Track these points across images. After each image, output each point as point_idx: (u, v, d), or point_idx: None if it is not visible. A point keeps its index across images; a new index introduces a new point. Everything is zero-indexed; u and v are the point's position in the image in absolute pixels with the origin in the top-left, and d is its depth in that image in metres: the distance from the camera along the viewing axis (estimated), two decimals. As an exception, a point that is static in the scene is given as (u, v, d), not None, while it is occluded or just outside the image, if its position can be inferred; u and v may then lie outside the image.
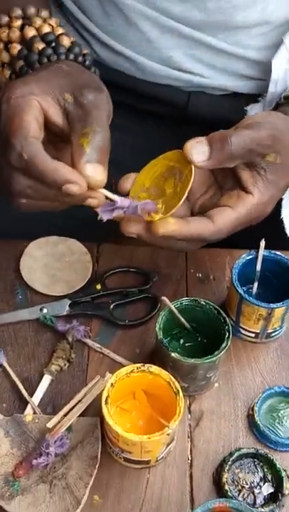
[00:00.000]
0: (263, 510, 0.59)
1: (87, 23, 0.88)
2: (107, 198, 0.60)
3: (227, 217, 0.65)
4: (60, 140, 0.63)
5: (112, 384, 0.59)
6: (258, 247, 0.69)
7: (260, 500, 0.60)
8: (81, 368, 0.69)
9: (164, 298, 0.63)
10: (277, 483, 0.60)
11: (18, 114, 0.59)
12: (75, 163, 0.59)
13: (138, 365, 0.61)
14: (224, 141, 0.61)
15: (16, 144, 0.56)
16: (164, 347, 0.61)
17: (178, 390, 0.59)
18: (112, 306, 0.73)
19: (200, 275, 0.77)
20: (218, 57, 0.83)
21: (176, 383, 0.60)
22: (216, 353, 0.62)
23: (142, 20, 0.81)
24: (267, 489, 0.61)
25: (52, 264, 0.77)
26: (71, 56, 0.68)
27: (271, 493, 0.61)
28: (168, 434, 0.56)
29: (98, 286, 0.75)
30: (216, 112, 0.84)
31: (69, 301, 0.73)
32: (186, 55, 0.83)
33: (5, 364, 0.68)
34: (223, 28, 0.80)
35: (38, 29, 0.69)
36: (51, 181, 0.57)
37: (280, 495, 0.60)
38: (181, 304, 0.65)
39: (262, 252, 0.69)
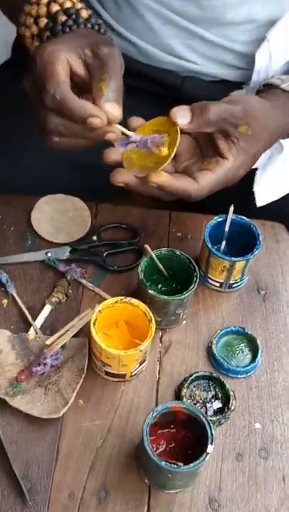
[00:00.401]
0: (212, 418, 0.70)
1: (101, 11, 0.95)
2: (122, 133, 0.68)
3: (208, 178, 0.73)
4: (82, 91, 0.70)
5: (99, 310, 0.70)
6: (228, 212, 0.79)
7: (210, 413, 0.72)
8: (76, 301, 0.79)
9: (146, 246, 0.74)
10: (225, 400, 0.73)
11: (50, 65, 0.66)
12: (95, 102, 0.66)
13: (121, 297, 0.72)
14: (203, 109, 0.70)
15: (50, 88, 0.65)
16: (144, 285, 0.73)
17: (151, 318, 0.70)
18: (104, 254, 0.83)
19: (180, 234, 0.87)
20: (209, 48, 0.90)
21: (151, 313, 0.70)
22: (184, 292, 0.73)
23: (147, 11, 0.89)
24: (217, 404, 0.73)
25: (57, 218, 0.86)
26: (88, 25, 0.76)
27: (219, 408, 0.72)
28: (140, 351, 0.68)
29: (94, 238, 0.85)
30: (206, 95, 0.87)
31: (69, 248, 0.83)
32: (182, 44, 0.91)
33: (14, 294, 0.78)
34: (215, 23, 0.88)
35: (61, 5, 0.75)
36: (78, 116, 0.65)
37: (226, 409, 0.72)
38: (160, 252, 0.76)
39: (230, 216, 0.78)
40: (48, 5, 0.76)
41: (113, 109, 0.66)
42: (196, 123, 0.70)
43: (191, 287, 0.73)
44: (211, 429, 0.62)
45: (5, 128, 0.96)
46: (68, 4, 0.75)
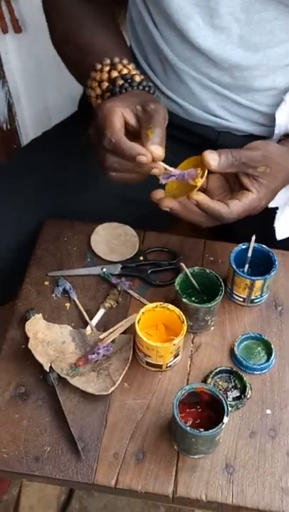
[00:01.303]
0: (231, 403, 0.83)
1: (152, 76, 1.06)
2: (165, 169, 0.78)
3: (236, 204, 0.82)
4: (133, 138, 0.78)
5: (143, 312, 0.84)
6: (250, 240, 0.91)
7: (230, 399, 0.85)
8: (124, 308, 0.93)
9: (182, 264, 0.88)
10: (242, 390, 0.85)
11: (108, 117, 0.76)
12: (143, 145, 0.75)
13: (160, 303, 0.85)
14: (227, 154, 0.80)
15: (107, 133, 0.75)
16: (179, 295, 0.87)
17: (184, 320, 0.83)
18: (149, 272, 0.96)
19: (212, 258, 0.99)
20: (240, 109, 1.01)
21: (184, 316, 0.84)
22: (212, 302, 0.86)
23: (190, 79, 1.00)
24: (235, 393, 0.86)
25: (111, 241, 0.99)
26: (140, 87, 0.86)
27: (237, 396, 0.85)
28: (174, 344, 0.82)
29: (141, 258, 0.97)
30: (237, 148, 0.98)
31: (120, 266, 0.96)
32: (218, 105, 1.02)
33: (75, 299, 0.93)
34: (244, 90, 0.99)
35: (119, 71, 0.86)
36: (129, 155, 0.75)
37: (243, 396, 0.85)
38: (194, 270, 0.89)
39: (252, 244, 0.91)
40: (109, 72, 0.87)
41: (157, 149, 0.76)
42: (222, 165, 0.80)
43: (217, 298, 0.87)
44: (226, 404, 0.76)
45: (72, 168, 1.08)
46: (125, 71, 0.87)
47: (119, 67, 0.88)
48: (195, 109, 1.04)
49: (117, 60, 0.89)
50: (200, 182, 0.80)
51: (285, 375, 0.90)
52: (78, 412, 0.84)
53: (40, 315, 0.91)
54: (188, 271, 0.91)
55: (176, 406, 0.77)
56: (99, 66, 0.89)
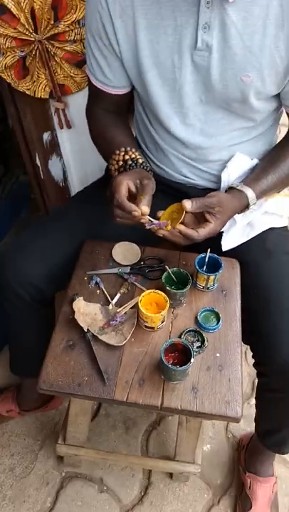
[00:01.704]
0: (196, 350, 0.83)
1: (149, 154, 1.01)
2: (149, 220, 0.78)
3: (202, 231, 0.81)
4: (133, 199, 0.79)
5: (143, 296, 0.83)
6: (206, 251, 0.90)
7: (194, 347, 0.84)
8: (132, 292, 0.90)
9: (166, 266, 0.88)
10: (202, 342, 0.85)
11: (117, 186, 0.76)
12: (137, 205, 0.76)
13: (153, 290, 0.84)
14: (197, 201, 0.79)
15: (116, 196, 0.76)
16: (164, 284, 0.86)
17: (167, 300, 0.83)
18: (147, 271, 0.92)
19: (184, 263, 0.95)
20: (201, 173, 0.97)
21: (167, 298, 0.83)
22: (184, 289, 0.86)
23: (171, 155, 0.95)
24: (197, 344, 0.85)
25: (124, 253, 0.95)
26: (141, 166, 0.85)
27: (199, 346, 0.84)
28: (161, 315, 0.82)
29: (142, 263, 0.93)
30: (200, 196, 0.97)
31: (129, 268, 0.93)
32: (188, 171, 0.97)
33: (103, 288, 0.89)
34: (204, 161, 0.94)
35: (130, 156, 0.85)
36: (128, 210, 0.75)
37: (202, 346, 0.84)
38: (173, 270, 0.88)
39: (208, 254, 0.90)
40: (123, 155, 0.86)
41: (145, 208, 0.77)
42: (193, 208, 0.80)
43: (187, 286, 0.87)
44: (193, 351, 0.77)
45: (100, 210, 1.01)
46: (133, 156, 0.86)
47: (130, 153, 0.87)
48: (174, 173, 1.01)
49: (128, 148, 0.88)
50: (181, 218, 0.79)
51: (227, 332, 0.89)
52: (104, 357, 0.83)
53: (82, 298, 0.89)
54: (170, 271, 0.90)
55: (162, 352, 0.77)
56: (117, 152, 0.88)
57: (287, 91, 0.85)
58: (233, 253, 0.96)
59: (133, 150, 0.88)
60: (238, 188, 0.89)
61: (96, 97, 0.95)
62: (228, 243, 0.96)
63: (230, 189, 0.91)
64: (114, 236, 0.98)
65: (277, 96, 0.87)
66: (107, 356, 0.83)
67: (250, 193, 0.88)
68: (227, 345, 0.86)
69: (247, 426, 1.24)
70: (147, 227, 0.80)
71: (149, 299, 0.86)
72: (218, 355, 0.85)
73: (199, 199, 0.81)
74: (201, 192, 0.95)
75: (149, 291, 0.86)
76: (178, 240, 0.82)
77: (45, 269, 0.92)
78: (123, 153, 0.87)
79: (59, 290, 1.00)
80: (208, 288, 0.93)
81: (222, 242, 0.96)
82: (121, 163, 0.86)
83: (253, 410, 1.05)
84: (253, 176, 0.91)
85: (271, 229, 0.96)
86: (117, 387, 0.79)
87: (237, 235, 0.96)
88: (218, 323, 0.89)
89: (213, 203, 0.82)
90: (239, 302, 0.91)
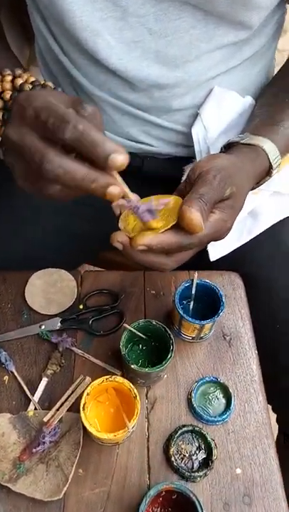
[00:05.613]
0: (199, 474, 0.47)
1: None
2: (123, 197, 0.41)
3: (207, 228, 0.45)
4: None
5: (87, 393, 0.46)
6: (193, 275, 0.54)
7: (196, 465, 0.48)
8: (69, 369, 0.53)
9: (125, 325, 0.50)
10: (208, 451, 0.49)
11: (43, 99, 0.36)
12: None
13: (107, 376, 0.47)
14: (204, 207, 0.44)
15: (70, 117, 0.35)
16: (126, 360, 0.48)
17: (136, 395, 0.46)
18: (90, 322, 0.56)
19: (153, 292, 0.60)
20: (161, 131, 0.64)
21: (135, 390, 0.46)
22: (163, 363, 0.48)
23: (107, 105, 0.62)
24: (201, 455, 0.49)
25: (48, 290, 0.58)
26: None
27: (204, 458, 0.49)
28: (129, 431, 0.45)
29: (81, 306, 0.57)
30: (162, 171, 0.68)
31: (60, 319, 0.56)
32: (139, 130, 0.64)
33: (14, 371, 0.52)
34: (164, 111, 0.62)
35: (26, 80, 0.45)
36: (101, 150, 0.36)
37: (210, 462, 0.48)
38: (138, 324, 0.51)
39: (195, 280, 0.54)
40: (12, 81, 0.45)
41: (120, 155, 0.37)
42: (204, 220, 0.44)
43: (168, 357, 0.49)
44: (200, 506, 0.41)
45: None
46: (32, 79, 0.45)
47: (25, 76, 0.46)
48: (116, 137, 0.65)
49: (19, 71, 0.46)
50: (158, 227, 0.44)
51: (246, 417, 0.53)
52: (27, 524, 0.44)
53: None
54: (132, 328, 0.51)
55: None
56: None
57: None
58: (229, 262, 0.63)
59: (28, 73, 0.48)
60: (243, 141, 0.53)
61: None
62: (218, 249, 0.62)
63: (228, 148, 0.55)
64: (24, 253, 0.63)
65: None
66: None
67: (268, 146, 0.52)
68: (253, 446, 0.51)
69: None
70: (116, 210, 0.42)
71: (102, 387, 0.49)
72: (238, 471, 0.49)
73: (203, 197, 0.44)
74: (162, 165, 0.68)
75: (100, 380, 0.48)
76: (160, 262, 0.45)
77: None
78: (11, 77, 0.46)
79: None
80: (201, 337, 0.57)
81: (208, 248, 0.62)
82: (10, 93, 0.44)
83: None
84: (261, 120, 0.57)
85: (285, 219, 0.63)
86: None
87: (232, 235, 0.63)
88: (228, 405, 0.53)
89: (221, 185, 0.45)
90: (255, 351, 0.57)
